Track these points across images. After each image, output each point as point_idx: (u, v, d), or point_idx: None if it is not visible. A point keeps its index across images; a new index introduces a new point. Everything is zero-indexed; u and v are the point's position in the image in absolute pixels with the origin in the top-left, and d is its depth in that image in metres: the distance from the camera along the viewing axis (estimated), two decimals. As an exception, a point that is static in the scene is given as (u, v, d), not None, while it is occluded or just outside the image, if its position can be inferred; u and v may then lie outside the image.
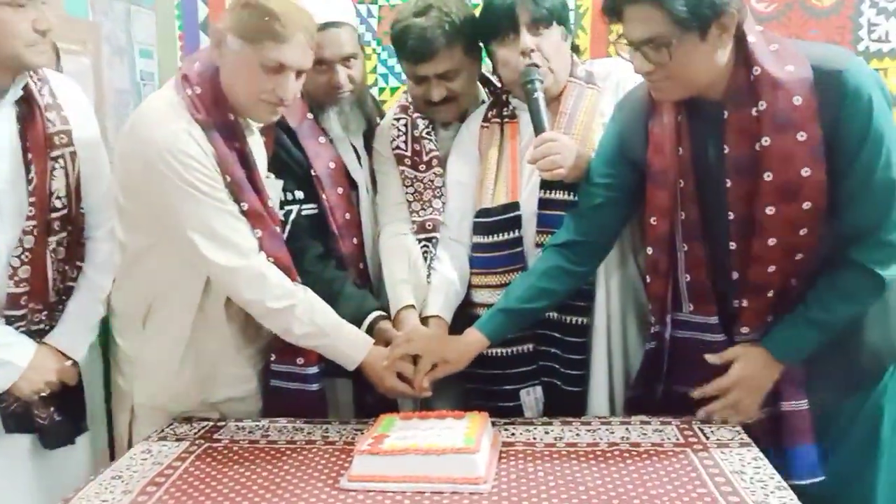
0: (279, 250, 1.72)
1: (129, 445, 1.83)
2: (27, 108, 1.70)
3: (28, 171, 1.68)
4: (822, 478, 1.57)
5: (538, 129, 1.76)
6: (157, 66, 4.88)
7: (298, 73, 1.67)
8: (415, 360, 1.72)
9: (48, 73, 1.79)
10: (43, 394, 1.72)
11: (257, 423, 1.79)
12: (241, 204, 1.67)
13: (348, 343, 1.75)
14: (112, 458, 1.91)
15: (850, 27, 2.53)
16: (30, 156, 1.68)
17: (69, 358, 1.78)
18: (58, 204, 1.73)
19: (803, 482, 1.53)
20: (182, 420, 1.81)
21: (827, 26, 2.55)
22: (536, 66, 1.79)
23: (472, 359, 1.72)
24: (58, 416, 1.78)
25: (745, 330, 1.60)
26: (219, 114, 1.67)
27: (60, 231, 1.75)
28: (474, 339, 1.72)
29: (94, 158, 1.85)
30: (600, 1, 2.50)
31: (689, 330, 1.66)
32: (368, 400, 1.91)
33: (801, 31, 2.56)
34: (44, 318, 1.76)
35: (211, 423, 1.79)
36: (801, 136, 1.44)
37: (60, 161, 1.73)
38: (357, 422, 1.79)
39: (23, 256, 1.67)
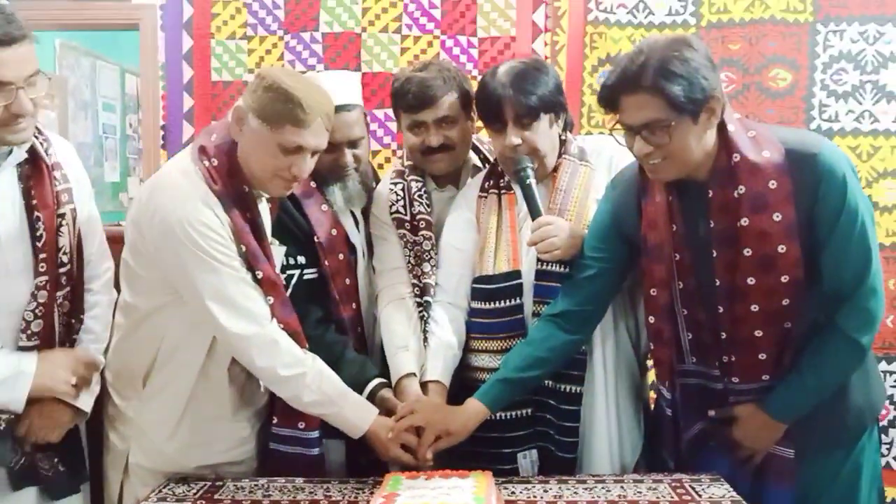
0: (289, 316, 1.75)
1: (120, 502, 1.83)
2: (34, 167, 1.73)
3: (35, 228, 1.71)
4: None
5: (534, 213, 1.86)
6: (119, 120, 4.90)
7: (314, 153, 1.73)
8: (417, 430, 1.76)
9: (48, 133, 1.81)
10: (53, 440, 1.74)
11: (256, 483, 1.79)
12: (256, 272, 1.71)
13: (354, 412, 1.78)
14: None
15: (803, 108, 2.73)
16: (36, 214, 1.71)
17: (77, 409, 1.79)
18: (64, 259, 1.76)
19: None
20: (178, 480, 1.80)
21: (782, 106, 2.74)
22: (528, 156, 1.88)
23: (473, 429, 1.78)
24: (61, 466, 1.79)
25: (735, 380, 1.72)
26: (234, 185, 1.72)
27: (66, 286, 1.78)
28: (475, 410, 1.78)
29: (89, 214, 1.89)
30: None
31: (694, 377, 1.77)
32: (362, 462, 1.93)
33: (758, 111, 2.74)
34: None
35: (209, 484, 1.78)
36: (777, 217, 1.58)
37: (66, 218, 1.77)
38: (356, 481, 1.81)
39: (37, 311, 1.70)
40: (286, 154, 1.68)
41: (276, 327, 1.72)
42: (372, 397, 1.85)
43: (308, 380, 1.72)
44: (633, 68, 1.55)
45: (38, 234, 1.70)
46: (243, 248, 1.70)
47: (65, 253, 1.75)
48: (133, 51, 2.94)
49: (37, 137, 1.74)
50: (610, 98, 1.61)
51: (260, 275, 1.72)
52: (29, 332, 1.69)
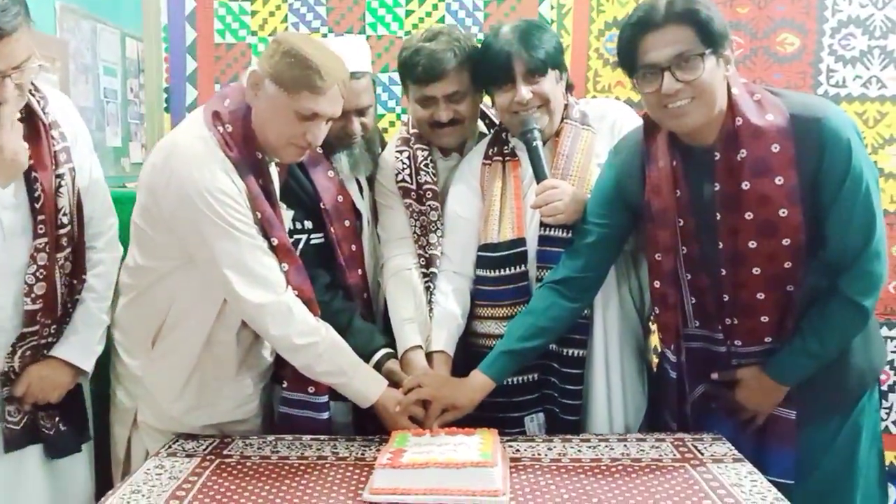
0: (304, 283, 1.76)
1: (127, 459, 1.85)
2: (30, 127, 1.70)
3: (33, 189, 1.69)
4: (792, 481, 1.69)
5: (539, 176, 1.86)
6: (119, 84, 4.87)
7: (328, 120, 1.73)
8: (424, 403, 1.78)
9: (44, 90, 1.78)
10: (52, 400, 1.76)
11: (264, 440, 1.81)
12: (272, 240, 1.72)
13: (364, 383, 1.79)
14: (106, 469, 1.92)
15: (811, 72, 2.71)
16: (34, 174, 1.68)
17: (78, 369, 1.80)
18: (64, 220, 1.74)
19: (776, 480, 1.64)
20: (186, 437, 1.82)
21: (789, 71, 2.72)
22: (534, 111, 1.88)
23: (479, 402, 1.80)
24: (63, 425, 1.80)
25: (738, 343, 1.74)
26: (248, 151, 1.71)
27: (67, 247, 1.76)
28: (481, 383, 1.80)
29: (90, 169, 1.86)
30: (580, 38, 2.59)
31: (697, 341, 1.79)
32: (368, 427, 1.94)
33: (765, 75, 2.73)
34: (52, 332, 1.78)
35: (217, 440, 1.80)
36: (779, 181, 1.58)
37: (65, 178, 1.74)
38: (363, 439, 1.83)
39: (38, 273, 1.68)
40: (302, 120, 1.68)
41: (292, 295, 1.72)
42: (378, 368, 1.87)
43: (321, 349, 1.73)
44: (660, 4, 1.56)
45: (35, 195, 1.68)
46: (258, 215, 1.70)
47: (64, 214, 1.73)
48: (133, 15, 2.91)
49: (33, 95, 1.70)
50: (632, 39, 1.60)
51: (275, 242, 1.72)
52: (33, 295, 1.69)
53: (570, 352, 1.91)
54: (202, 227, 1.65)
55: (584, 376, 1.92)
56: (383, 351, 1.90)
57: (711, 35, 1.54)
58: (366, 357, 1.85)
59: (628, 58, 1.61)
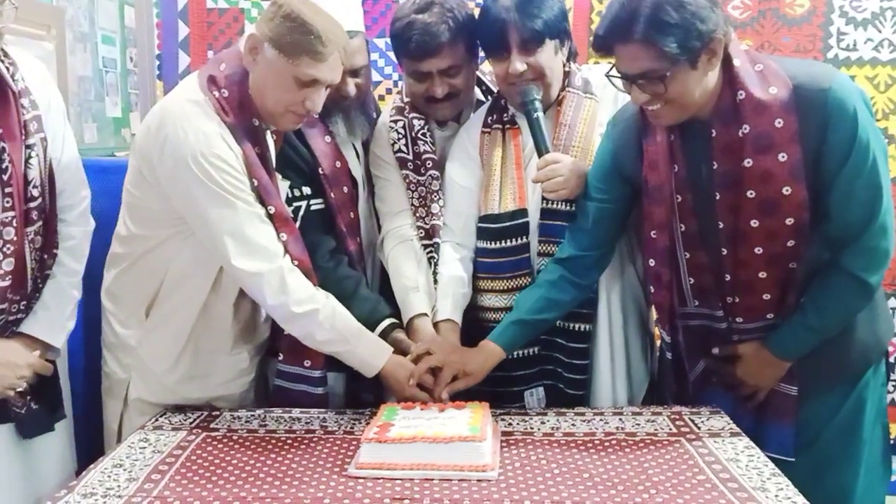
0: (302, 253, 1.72)
1: (120, 433, 1.82)
2: None
3: (0, 160, 1.59)
4: (792, 458, 1.65)
5: (540, 149, 1.80)
6: (118, 53, 4.80)
7: (327, 87, 1.68)
8: (433, 371, 1.74)
9: (17, 55, 1.68)
10: (19, 389, 1.65)
11: (252, 413, 1.78)
12: (269, 207, 1.68)
13: (369, 351, 1.75)
14: (97, 443, 1.88)
15: (821, 35, 2.62)
16: (2, 144, 1.59)
17: (48, 346, 1.73)
18: (34, 193, 1.65)
19: (774, 456, 1.60)
20: (174, 409, 1.79)
21: (798, 34, 2.64)
22: (534, 83, 1.81)
23: (490, 370, 1.76)
24: (35, 404, 1.72)
25: (739, 320, 1.69)
26: (244, 118, 1.67)
27: (38, 220, 1.67)
28: (491, 351, 1.76)
29: (63, 140, 1.77)
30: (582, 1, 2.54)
31: (697, 319, 1.74)
32: (364, 397, 1.92)
33: (774, 38, 2.65)
34: (22, 308, 1.69)
35: (205, 413, 1.78)
36: (782, 157, 1.52)
37: (36, 148, 1.65)
38: (353, 412, 1.80)
39: (5, 249, 1.60)
40: (301, 87, 1.63)
41: (289, 263, 1.68)
42: (384, 337, 1.82)
43: (321, 317, 1.69)
44: (624, 16, 1.47)
45: (3, 166, 1.59)
46: (255, 182, 1.66)
47: (35, 186, 1.64)
48: (131, -20, 2.85)
49: (2, 62, 1.61)
50: (602, 46, 1.54)
51: (272, 210, 1.68)
52: (1, 271, 1.60)
53: (576, 326, 1.87)
54: (197, 192, 1.61)
55: (589, 350, 1.88)
56: (389, 321, 1.85)
57: (683, 49, 1.45)
58: (370, 327, 1.80)
59: (605, 56, 1.56)
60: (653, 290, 1.77)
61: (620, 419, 1.72)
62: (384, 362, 1.74)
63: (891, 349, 2.03)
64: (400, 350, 1.79)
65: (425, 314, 1.86)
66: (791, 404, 1.68)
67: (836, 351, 1.64)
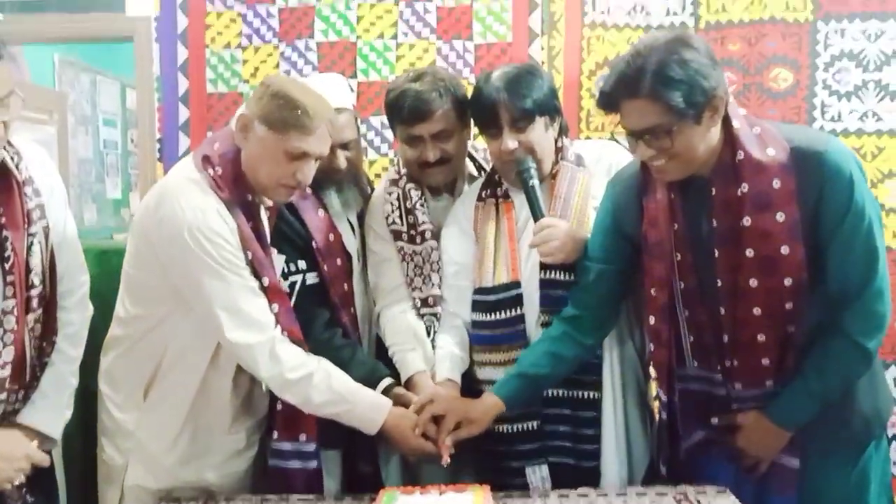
0: (293, 324, 1.75)
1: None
2: (3, 184, 1.63)
3: (3, 249, 1.61)
4: None
5: (536, 214, 1.83)
6: (120, 135, 4.89)
7: (317, 159, 1.74)
8: (435, 421, 1.74)
9: (19, 144, 1.71)
10: (16, 482, 1.63)
11: (248, 500, 1.75)
12: (262, 280, 1.71)
13: (368, 406, 1.75)
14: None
15: (805, 108, 2.69)
16: (4, 234, 1.61)
17: (45, 437, 1.71)
18: (35, 281, 1.66)
19: None
20: (170, 500, 1.76)
21: (783, 107, 2.70)
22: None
23: (491, 420, 1.76)
24: (30, 496, 1.69)
25: (738, 386, 1.68)
26: (239, 193, 1.72)
27: (38, 307, 1.68)
28: (493, 402, 1.77)
29: (64, 224, 1.79)
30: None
31: (696, 383, 1.73)
32: (362, 469, 1.91)
33: (760, 112, 2.70)
34: (20, 397, 1.68)
35: (201, 502, 1.74)
36: (780, 217, 1.54)
37: (38, 236, 1.67)
38: (353, 497, 1.77)
39: (5, 338, 1.61)
40: (291, 160, 1.69)
41: (279, 334, 1.71)
42: (385, 396, 1.81)
43: (316, 380, 1.70)
44: (631, 73, 1.52)
45: (5, 255, 1.61)
46: (249, 256, 1.70)
47: (36, 274, 1.66)
48: (132, 64, 2.93)
49: (7, 151, 1.64)
50: (609, 103, 1.58)
51: (266, 282, 1.72)
52: (1, 361, 1.60)
53: (583, 394, 1.87)
54: (193, 266, 1.65)
55: (598, 419, 1.87)
56: (388, 380, 1.86)
57: (688, 104, 1.49)
58: (370, 387, 1.80)
59: (610, 112, 1.60)
60: (652, 349, 1.77)
61: (624, 501, 1.69)
62: (385, 416, 1.74)
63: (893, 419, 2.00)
64: (401, 404, 1.79)
65: (424, 371, 1.88)
66: (793, 477, 1.66)
67: (837, 421, 1.63)
